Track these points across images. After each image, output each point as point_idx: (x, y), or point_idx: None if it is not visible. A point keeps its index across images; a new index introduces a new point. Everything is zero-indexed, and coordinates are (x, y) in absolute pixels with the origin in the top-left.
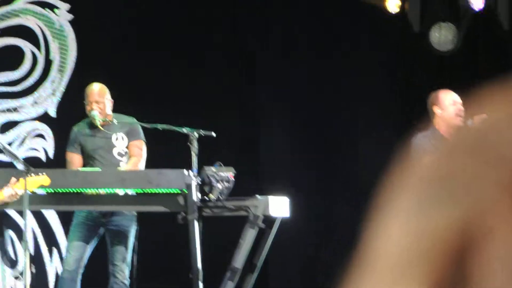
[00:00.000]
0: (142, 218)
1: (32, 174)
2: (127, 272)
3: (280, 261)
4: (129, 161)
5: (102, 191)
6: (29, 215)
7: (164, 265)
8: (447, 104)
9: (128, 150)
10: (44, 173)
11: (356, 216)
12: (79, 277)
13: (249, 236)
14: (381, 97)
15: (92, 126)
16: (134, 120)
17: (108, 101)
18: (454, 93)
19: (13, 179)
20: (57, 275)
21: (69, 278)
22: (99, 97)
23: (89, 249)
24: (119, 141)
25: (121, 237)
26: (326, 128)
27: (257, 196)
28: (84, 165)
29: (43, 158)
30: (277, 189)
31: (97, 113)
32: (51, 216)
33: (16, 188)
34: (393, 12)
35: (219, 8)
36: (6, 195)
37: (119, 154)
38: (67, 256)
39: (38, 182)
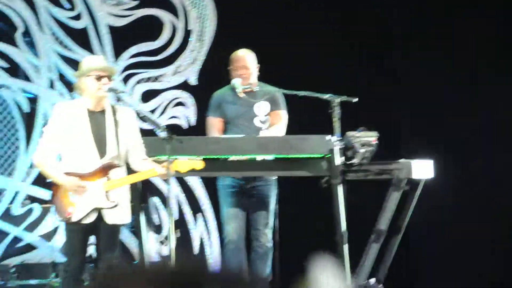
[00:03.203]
0: (284, 183)
1: (188, 158)
2: (270, 235)
3: (423, 223)
4: (270, 129)
5: (245, 157)
6: (173, 182)
7: (308, 229)
8: None
9: (269, 119)
10: (200, 158)
11: (499, 174)
12: (244, 244)
13: (393, 199)
14: None
15: (235, 92)
16: (276, 88)
17: (255, 68)
18: None
19: (170, 160)
20: (201, 240)
21: (235, 248)
22: (247, 63)
23: (244, 215)
24: (261, 109)
25: (263, 202)
26: (469, 88)
27: (401, 159)
28: (224, 131)
29: (185, 125)
30: (420, 151)
31: (241, 80)
32: (195, 182)
33: (170, 169)
34: None
35: None
36: (159, 172)
37: (260, 121)
38: (227, 228)
39: (192, 165)
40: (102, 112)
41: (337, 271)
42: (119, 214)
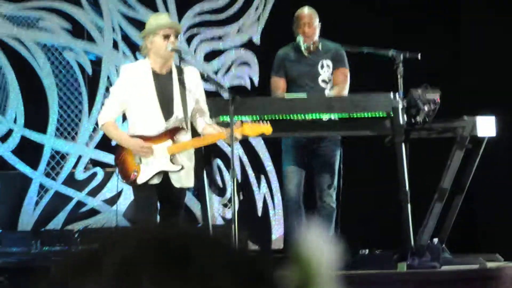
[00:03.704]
0: (347, 142)
1: (260, 122)
2: (334, 195)
3: (486, 181)
4: (334, 88)
5: (309, 117)
6: (236, 144)
7: (371, 188)
8: None
9: (332, 77)
10: (268, 122)
11: None
12: (302, 201)
13: (456, 157)
14: None
15: (298, 51)
16: (339, 45)
17: (317, 26)
18: None
19: (238, 123)
20: (264, 201)
21: (295, 205)
22: (311, 20)
23: (304, 173)
24: (324, 68)
25: (327, 162)
26: None
27: (464, 116)
28: (287, 91)
29: (248, 85)
30: (483, 108)
31: (303, 38)
32: (258, 143)
33: (237, 133)
34: None
35: None
36: (227, 136)
37: (323, 81)
38: (287, 185)
39: (260, 129)
40: (169, 73)
41: (327, 240)
42: (185, 177)
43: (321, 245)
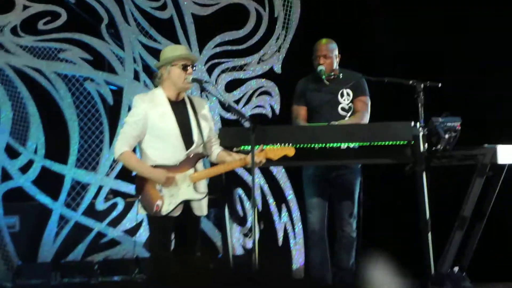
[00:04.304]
0: (367, 171)
1: (279, 144)
2: (354, 225)
3: (507, 208)
4: (354, 116)
5: (329, 146)
6: (256, 172)
7: (391, 217)
8: None
9: (353, 105)
10: (290, 144)
11: None
12: (326, 234)
13: (477, 184)
14: None
15: (318, 81)
16: (359, 74)
17: (335, 56)
18: None
19: (260, 148)
20: (285, 231)
21: (318, 237)
22: (327, 52)
23: (327, 205)
24: (344, 97)
25: (347, 191)
26: None
27: (485, 145)
28: (309, 119)
29: (269, 114)
30: (504, 136)
31: (323, 68)
32: (279, 172)
33: (261, 157)
34: None
35: None
36: (249, 162)
37: (343, 109)
38: (310, 217)
39: (283, 151)
40: (183, 102)
41: (390, 270)
42: (203, 205)
43: (387, 280)
